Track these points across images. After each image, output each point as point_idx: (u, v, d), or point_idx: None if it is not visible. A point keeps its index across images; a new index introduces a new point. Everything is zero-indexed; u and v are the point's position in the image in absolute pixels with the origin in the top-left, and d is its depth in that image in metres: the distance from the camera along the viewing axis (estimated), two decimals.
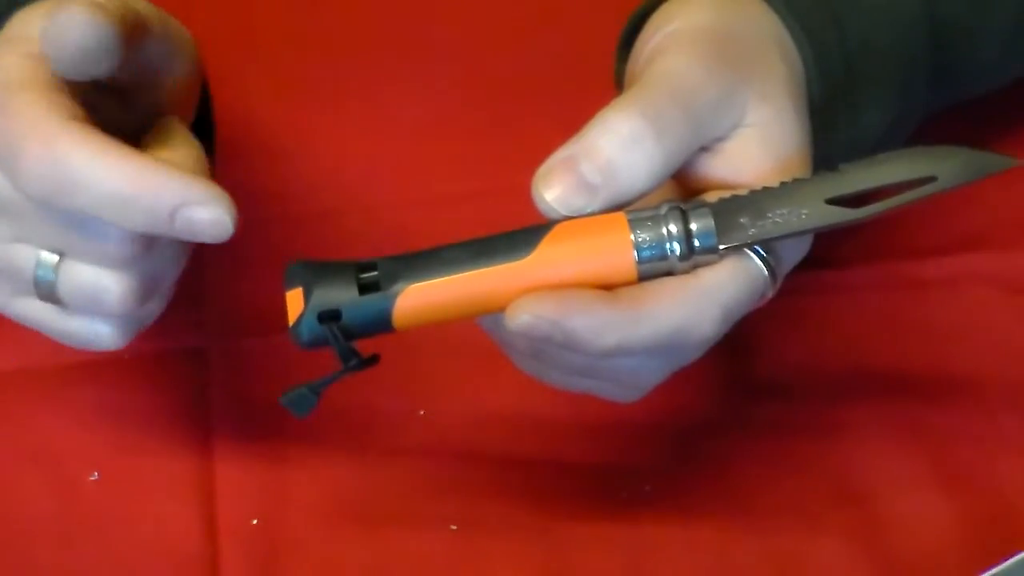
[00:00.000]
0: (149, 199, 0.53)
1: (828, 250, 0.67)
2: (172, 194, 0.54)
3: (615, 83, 0.67)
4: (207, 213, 0.54)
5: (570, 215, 0.55)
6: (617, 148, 0.55)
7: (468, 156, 0.77)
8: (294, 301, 0.55)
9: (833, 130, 0.63)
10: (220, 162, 0.66)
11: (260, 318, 0.70)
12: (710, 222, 0.55)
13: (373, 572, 0.65)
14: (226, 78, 0.77)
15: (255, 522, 0.66)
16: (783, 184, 0.56)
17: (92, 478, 0.67)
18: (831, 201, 0.55)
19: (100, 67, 0.55)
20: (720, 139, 0.57)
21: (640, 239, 0.54)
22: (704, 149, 0.57)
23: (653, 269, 0.55)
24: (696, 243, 0.54)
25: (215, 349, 0.71)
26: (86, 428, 0.68)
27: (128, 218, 0.54)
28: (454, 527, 0.66)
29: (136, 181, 0.53)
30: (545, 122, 0.68)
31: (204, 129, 0.65)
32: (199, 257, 0.70)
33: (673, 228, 0.54)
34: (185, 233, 0.54)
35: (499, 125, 0.77)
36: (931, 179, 0.56)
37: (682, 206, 0.55)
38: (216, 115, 0.67)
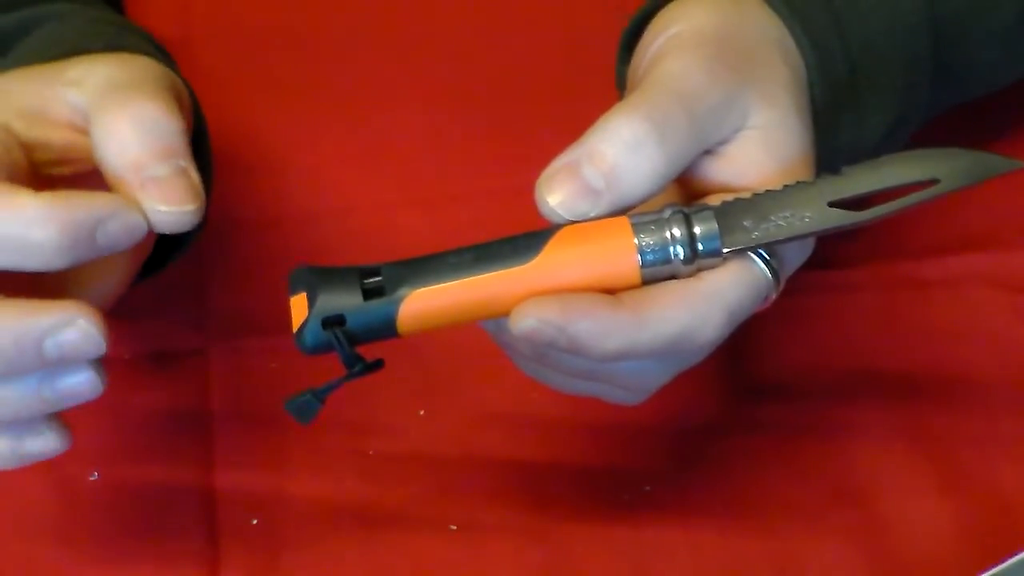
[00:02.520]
0: None
1: (829, 250, 0.67)
2: None
3: (616, 84, 0.67)
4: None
5: (574, 219, 0.55)
6: (620, 152, 0.55)
7: (470, 158, 0.76)
8: (298, 306, 0.55)
9: (836, 132, 0.63)
10: (219, 165, 0.65)
11: (260, 319, 0.70)
12: (713, 225, 0.55)
13: (373, 572, 0.65)
14: (225, 81, 0.77)
15: (255, 522, 0.66)
16: (786, 187, 0.56)
17: (92, 478, 0.67)
18: (834, 204, 0.55)
19: None
20: (723, 142, 0.57)
21: (644, 243, 0.54)
22: (707, 152, 0.57)
23: (657, 273, 0.55)
24: (700, 246, 0.54)
25: (215, 349, 0.71)
26: (86, 428, 0.68)
27: None
28: (454, 527, 0.66)
29: None
30: (547, 122, 0.68)
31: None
32: (200, 259, 0.71)
33: (676, 232, 0.54)
34: None
35: (501, 126, 0.77)
36: (934, 181, 0.56)
37: (685, 210, 0.55)
38: (213, 118, 0.66)
